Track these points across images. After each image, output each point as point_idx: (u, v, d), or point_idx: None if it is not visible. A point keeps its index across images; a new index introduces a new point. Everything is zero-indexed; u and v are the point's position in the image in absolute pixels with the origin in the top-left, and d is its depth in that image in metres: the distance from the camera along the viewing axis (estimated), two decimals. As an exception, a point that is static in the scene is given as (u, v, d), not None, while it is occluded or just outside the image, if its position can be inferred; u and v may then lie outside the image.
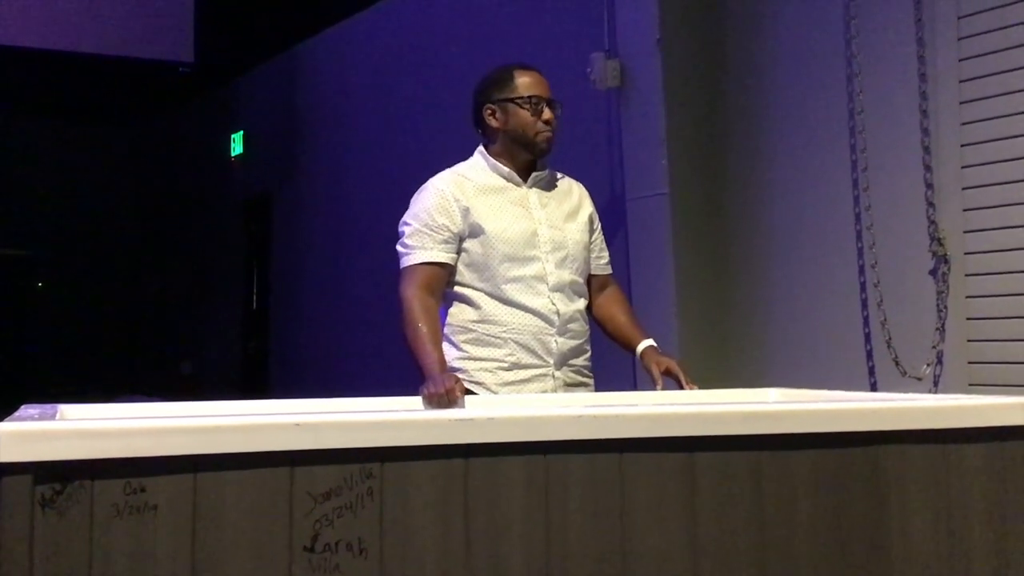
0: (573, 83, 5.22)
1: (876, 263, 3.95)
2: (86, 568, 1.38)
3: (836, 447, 1.73)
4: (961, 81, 3.72)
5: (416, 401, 2.28)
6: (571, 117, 5.48)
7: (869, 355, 3.99)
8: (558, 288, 2.57)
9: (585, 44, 5.08)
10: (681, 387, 2.48)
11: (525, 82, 2.63)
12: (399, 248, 2.60)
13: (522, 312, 2.54)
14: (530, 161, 2.65)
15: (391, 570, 1.50)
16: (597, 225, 2.77)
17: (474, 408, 2.21)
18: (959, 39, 3.74)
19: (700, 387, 2.49)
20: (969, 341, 3.70)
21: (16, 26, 6.78)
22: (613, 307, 2.75)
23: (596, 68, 4.91)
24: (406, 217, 2.62)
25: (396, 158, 7.14)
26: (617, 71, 4.86)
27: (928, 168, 3.77)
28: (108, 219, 11.97)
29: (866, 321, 4.01)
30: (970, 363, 3.70)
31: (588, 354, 2.66)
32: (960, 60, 3.74)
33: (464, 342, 2.57)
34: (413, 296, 2.49)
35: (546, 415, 1.66)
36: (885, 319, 3.89)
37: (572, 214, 2.68)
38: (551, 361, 2.55)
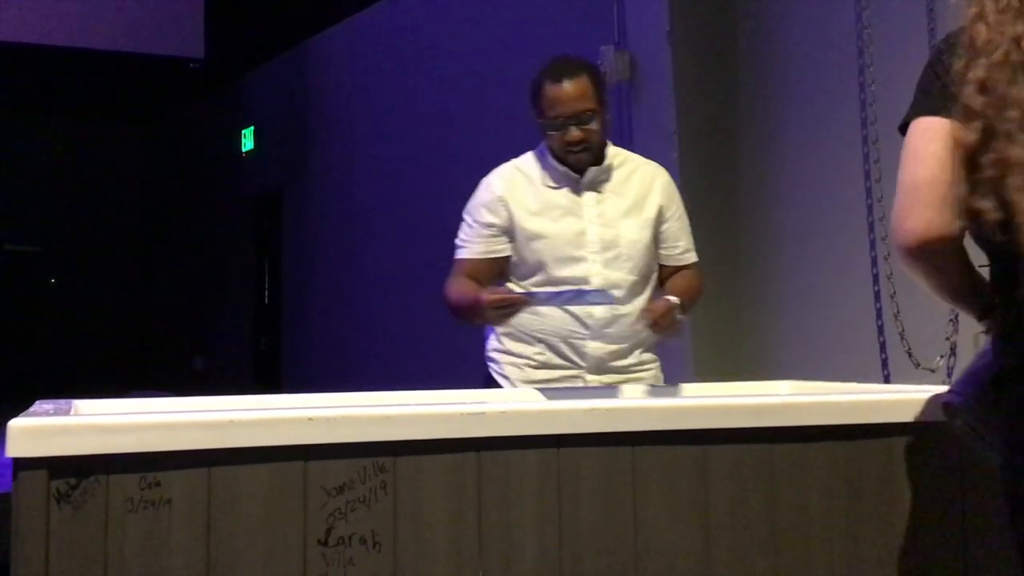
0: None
1: (889, 255, 3.93)
2: (101, 562, 1.39)
3: (849, 439, 1.72)
4: (974, 71, 3.70)
5: (428, 395, 2.28)
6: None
7: (882, 347, 3.98)
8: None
9: (594, 37, 5.07)
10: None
11: (549, 99, 2.49)
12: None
13: (555, 313, 2.47)
14: None
15: (404, 563, 1.50)
16: (672, 214, 2.62)
17: (487, 402, 2.21)
18: (971, 29, 3.72)
19: (713, 380, 2.48)
20: (982, 332, 3.69)
21: (27, 23, 6.80)
22: (670, 281, 2.61)
23: (606, 61, 4.89)
24: (464, 210, 2.62)
25: (407, 153, 7.15)
26: (627, 64, 4.85)
27: (941, 159, 3.75)
28: (120, 216, 12.02)
29: (879, 313, 4.00)
30: (983, 355, 3.68)
31: (639, 351, 2.55)
32: (972, 50, 3.71)
33: (502, 334, 2.57)
34: (449, 284, 2.53)
35: (558, 408, 1.66)
36: (898, 311, 3.88)
37: (635, 208, 2.57)
38: (584, 364, 2.49)
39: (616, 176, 2.59)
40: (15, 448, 1.37)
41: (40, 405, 1.74)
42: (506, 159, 2.65)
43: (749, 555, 1.66)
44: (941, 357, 3.73)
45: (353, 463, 1.50)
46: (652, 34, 4.75)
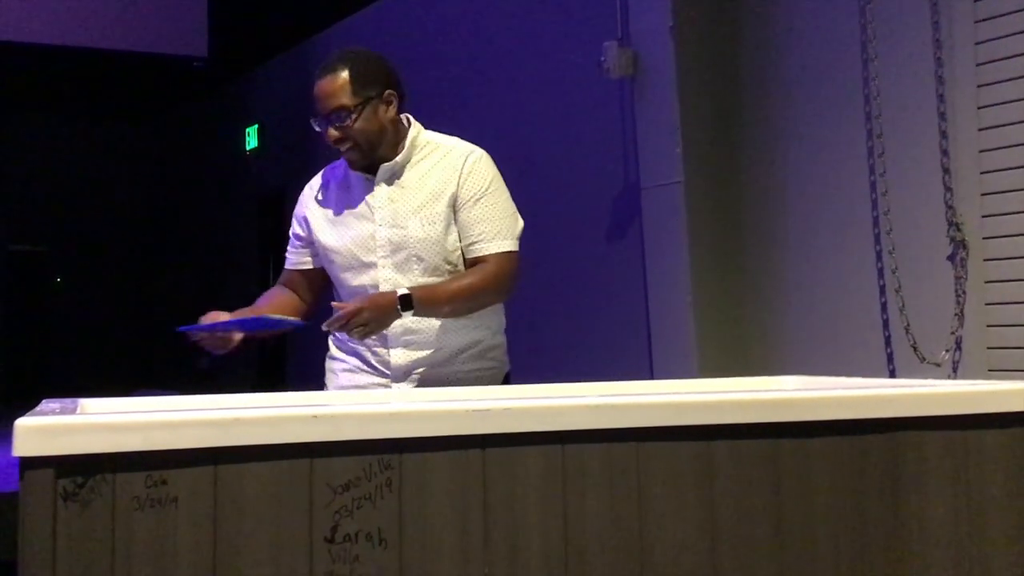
0: (586, 72, 5.21)
1: (894, 249, 3.93)
2: (108, 561, 1.39)
3: (854, 434, 1.72)
4: (978, 64, 3.70)
5: (432, 392, 2.28)
6: (584, 106, 5.50)
7: (887, 341, 3.98)
8: None
9: (598, 33, 5.07)
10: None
11: (312, 97, 2.35)
12: None
13: None
14: (381, 156, 2.40)
15: (410, 560, 1.51)
16: (467, 201, 2.37)
17: (491, 399, 2.21)
18: (975, 22, 3.71)
19: (717, 375, 2.48)
20: (988, 326, 3.68)
21: (30, 23, 6.81)
22: None
23: (609, 57, 4.89)
24: None
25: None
26: (630, 59, 4.85)
27: (945, 153, 3.75)
28: (124, 214, 12.03)
29: (884, 307, 4.00)
30: (989, 348, 3.68)
31: (465, 356, 2.41)
32: (976, 43, 3.71)
33: (332, 343, 2.55)
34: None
35: (563, 404, 1.66)
36: (903, 305, 3.87)
37: (427, 203, 2.37)
38: (388, 373, 2.39)
39: (414, 170, 2.41)
40: (22, 447, 1.37)
41: (46, 404, 1.74)
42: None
43: (755, 550, 1.66)
44: (946, 351, 3.73)
45: (358, 460, 1.50)
46: (655, 30, 4.75)
